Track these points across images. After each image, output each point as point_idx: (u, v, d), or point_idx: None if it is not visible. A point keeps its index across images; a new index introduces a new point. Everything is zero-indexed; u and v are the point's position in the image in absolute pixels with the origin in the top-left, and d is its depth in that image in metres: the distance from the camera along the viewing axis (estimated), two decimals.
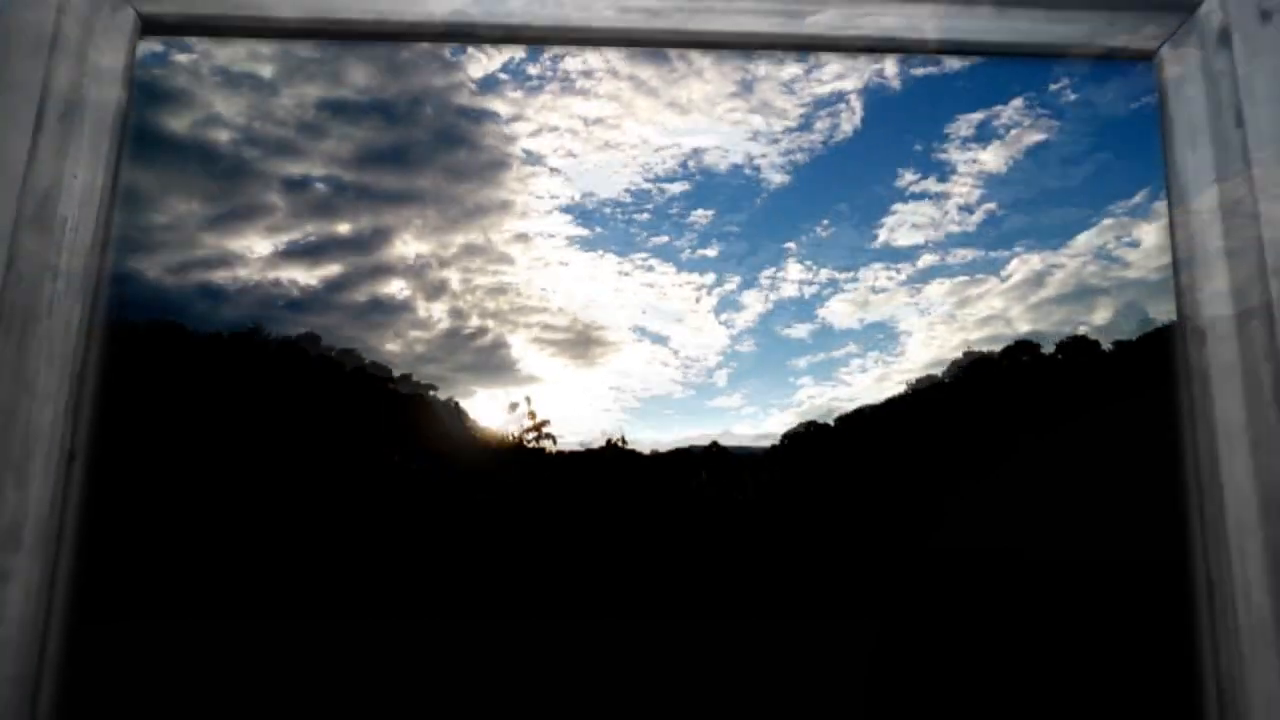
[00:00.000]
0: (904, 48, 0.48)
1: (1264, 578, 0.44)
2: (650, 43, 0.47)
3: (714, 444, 0.62)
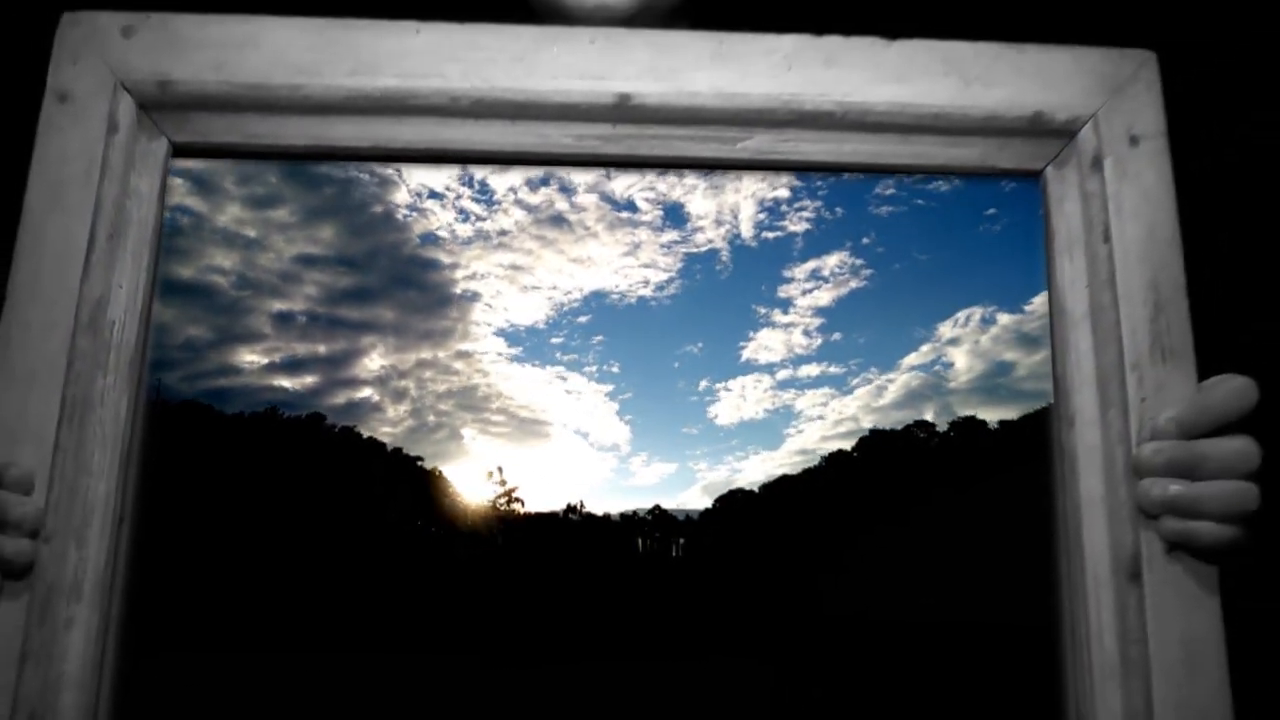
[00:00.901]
0: (821, 168, 0.55)
1: (1113, 624, 0.52)
2: (604, 164, 0.55)
3: (656, 506, 0.66)
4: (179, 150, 0.54)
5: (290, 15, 0.54)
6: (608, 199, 0.47)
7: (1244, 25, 1.01)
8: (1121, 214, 0.55)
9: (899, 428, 0.52)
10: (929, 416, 0.49)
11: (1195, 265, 0.55)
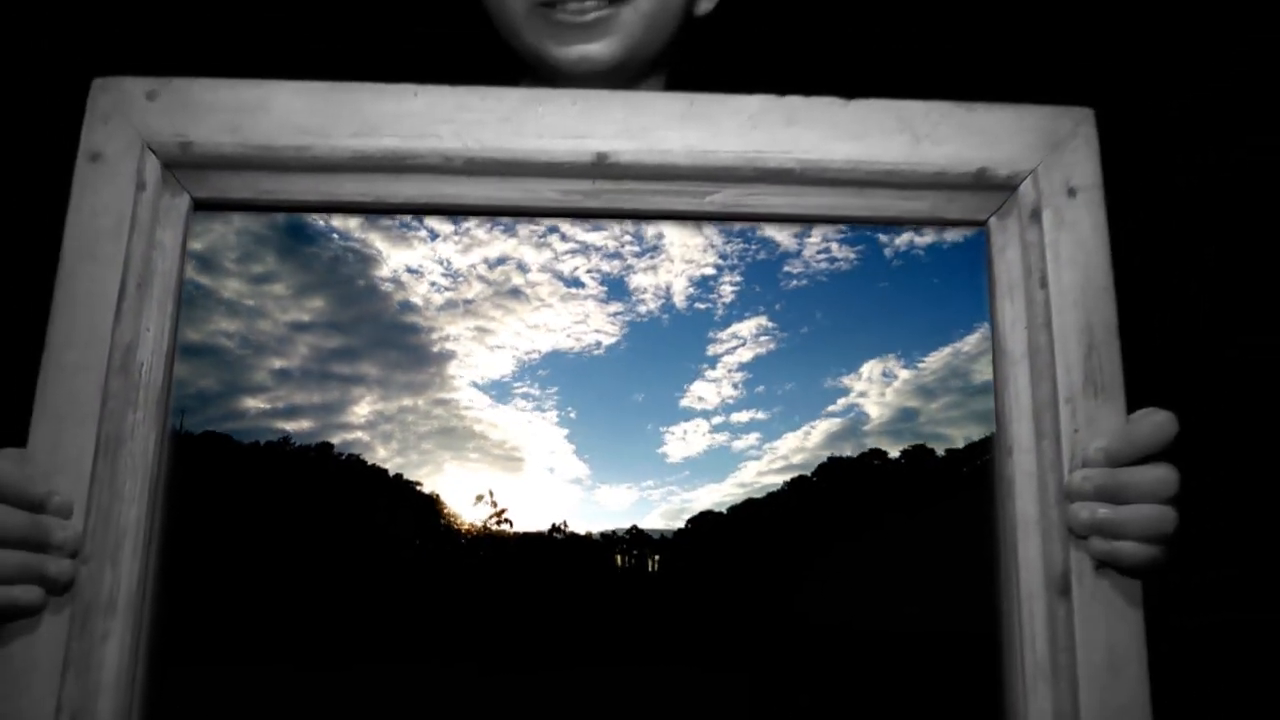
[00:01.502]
0: (783, 219, 0.60)
1: (1045, 633, 0.58)
2: (587, 215, 0.60)
3: (634, 526, 0.71)
4: (199, 205, 0.59)
5: (298, 80, 0.59)
6: (559, 277, 0.54)
7: (1177, 84, 1.06)
8: (1059, 260, 0.60)
9: (855, 455, 0.58)
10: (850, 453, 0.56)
11: (1128, 306, 0.61)
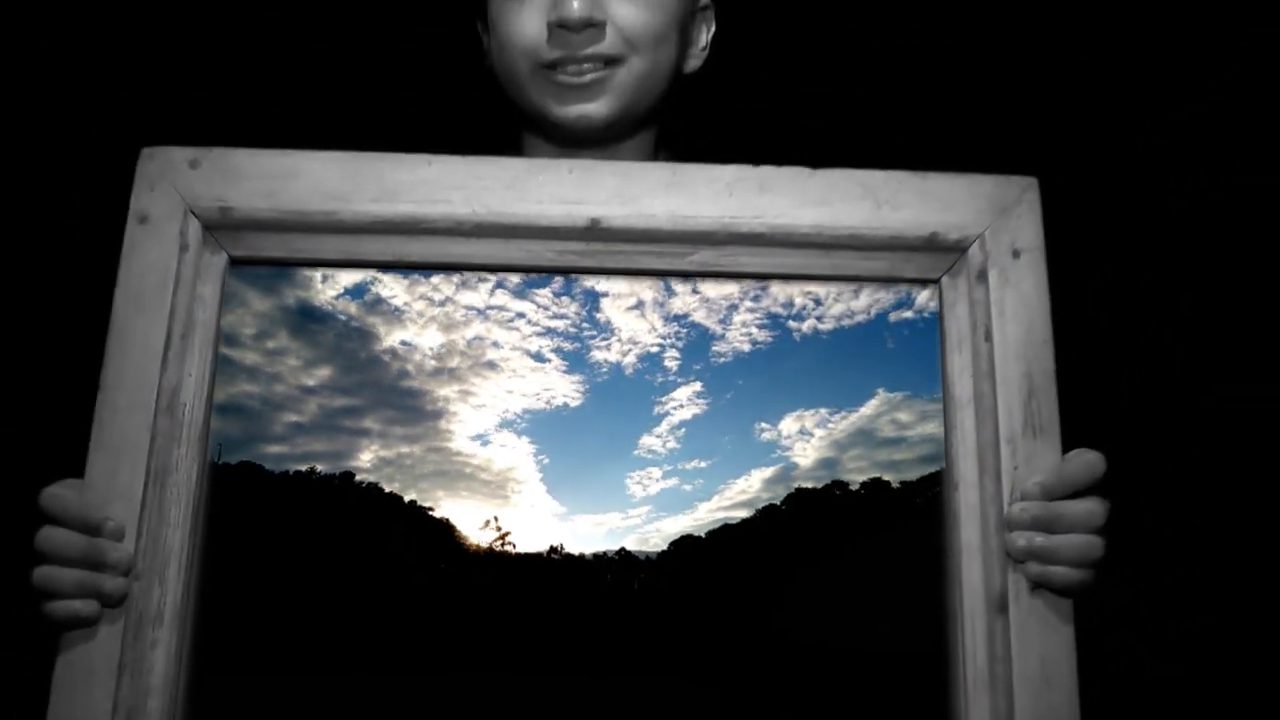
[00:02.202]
0: (756, 277, 0.68)
1: (984, 647, 0.65)
2: (579, 272, 0.68)
3: (622, 549, 0.76)
4: (235, 262, 0.67)
5: (325, 150, 0.67)
6: (527, 353, 0.66)
7: (1117, 155, 1.14)
8: (1004, 316, 0.67)
9: (812, 486, 0.67)
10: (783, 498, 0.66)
11: (1066, 355, 0.68)
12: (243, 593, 0.65)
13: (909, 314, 0.67)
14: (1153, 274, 1.24)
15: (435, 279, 0.66)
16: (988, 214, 0.69)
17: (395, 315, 0.66)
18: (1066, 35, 1.20)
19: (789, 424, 0.65)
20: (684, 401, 0.65)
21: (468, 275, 0.66)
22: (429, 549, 0.67)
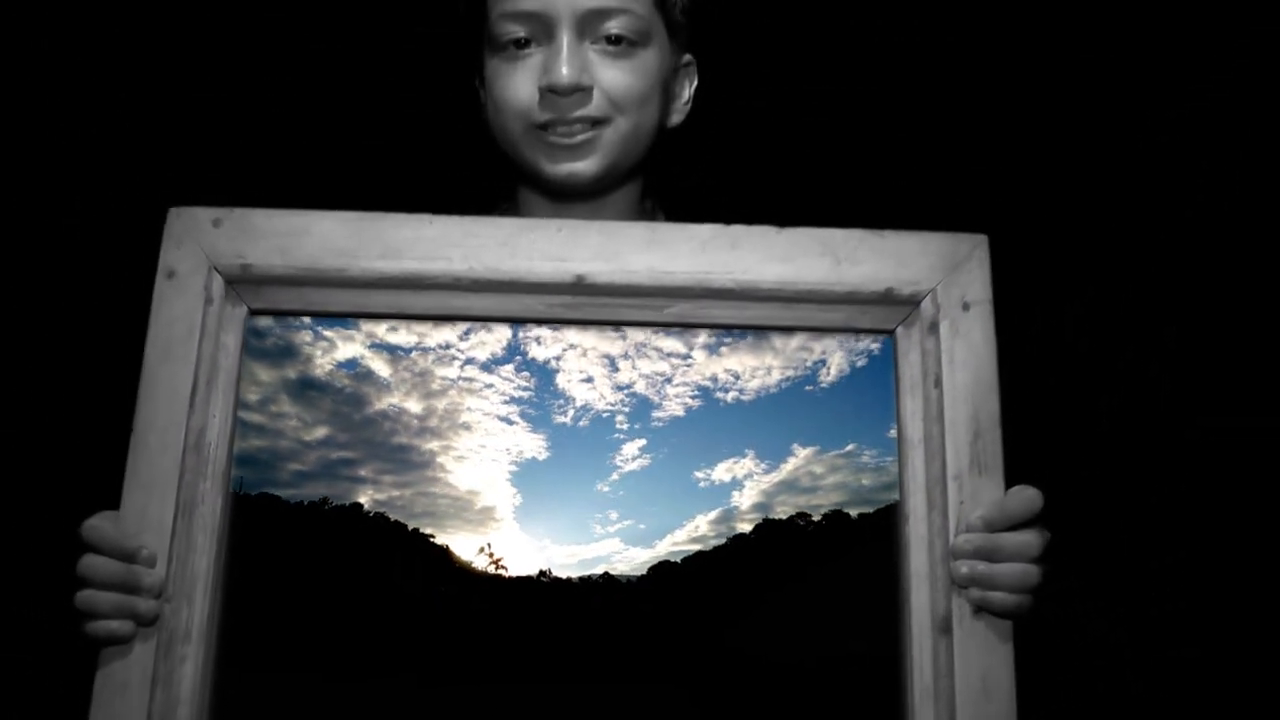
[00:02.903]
0: (727, 327, 0.75)
1: (930, 663, 0.72)
2: (569, 323, 0.75)
3: (605, 573, 0.82)
4: (254, 313, 0.73)
5: (334, 210, 0.73)
6: (498, 417, 0.76)
7: (1064, 214, 1.21)
8: (953, 364, 0.74)
9: (766, 518, 0.75)
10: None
11: (1010, 400, 0.75)
12: (262, 611, 0.72)
13: (817, 385, 0.77)
14: (1135, 304, 1.31)
15: (414, 355, 0.75)
16: (940, 269, 0.76)
17: (383, 385, 0.75)
18: (1028, 91, 1.29)
19: (721, 473, 0.75)
20: (632, 456, 0.75)
21: (442, 352, 0.75)
22: (431, 571, 0.74)
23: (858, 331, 0.76)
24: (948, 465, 0.73)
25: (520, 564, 0.74)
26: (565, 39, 0.85)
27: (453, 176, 1.08)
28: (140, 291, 0.72)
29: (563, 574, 0.73)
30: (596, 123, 0.88)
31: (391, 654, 0.72)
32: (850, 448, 0.75)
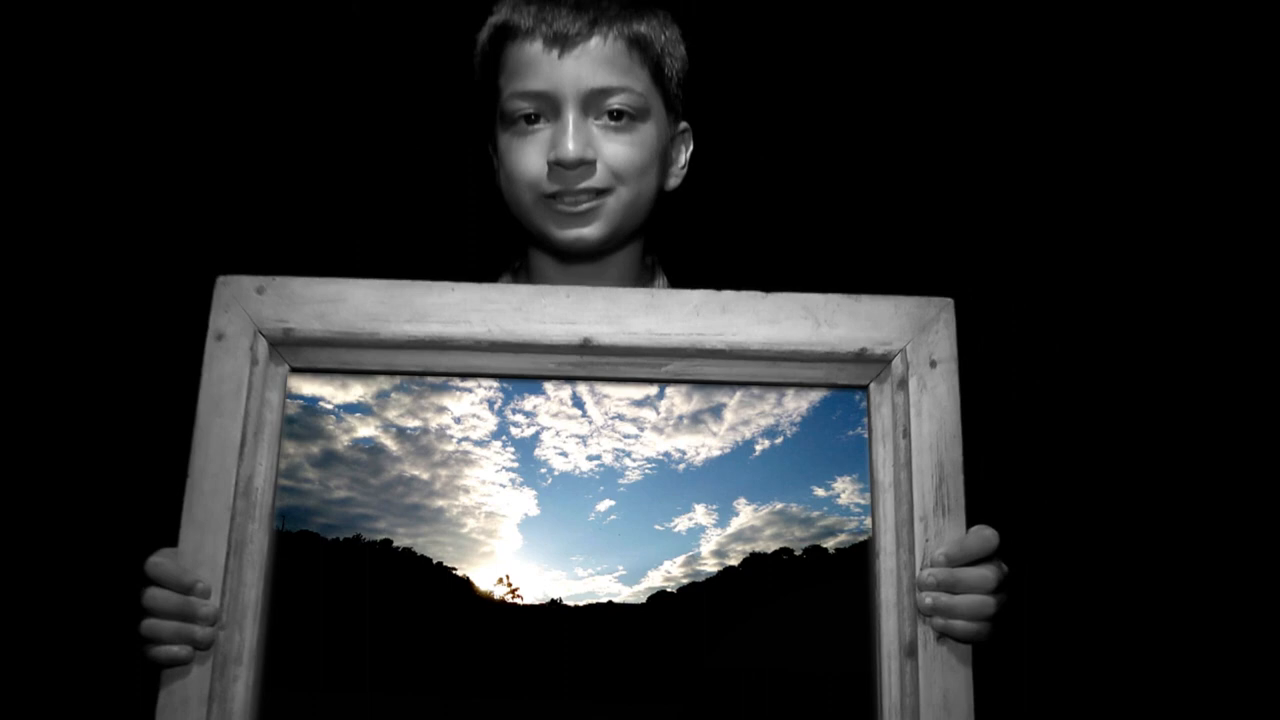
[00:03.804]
0: (718, 383, 0.84)
1: (897, 682, 0.81)
2: (573, 379, 0.83)
3: (609, 600, 0.90)
4: (295, 371, 0.82)
5: (367, 279, 0.82)
6: (494, 482, 0.87)
7: (1026, 279, 1.31)
8: (920, 416, 0.83)
9: (750, 553, 0.84)
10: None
11: (972, 450, 0.83)
12: (304, 635, 0.81)
13: (761, 446, 0.87)
14: (1094, 361, 1.43)
15: (419, 435, 0.86)
16: (909, 330, 0.84)
17: (394, 457, 0.85)
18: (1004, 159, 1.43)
19: (683, 524, 0.86)
20: (606, 511, 0.86)
21: (442, 433, 0.85)
22: (456, 597, 0.83)
23: (835, 387, 0.85)
24: (915, 507, 0.82)
25: (532, 593, 0.83)
26: (571, 116, 0.94)
27: (472, 238, 1.18)
28: (192, 351, 0.81)
29: (570, 602, 0.83)
30: (600, 192, 0.97)
31: (420, 672, 0.81)
32: (779, 506, 0.86)
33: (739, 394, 0.86)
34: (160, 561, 0.79)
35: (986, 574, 0.82)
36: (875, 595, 0.84)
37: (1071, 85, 1.43)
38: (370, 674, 0.82)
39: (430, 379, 0.84)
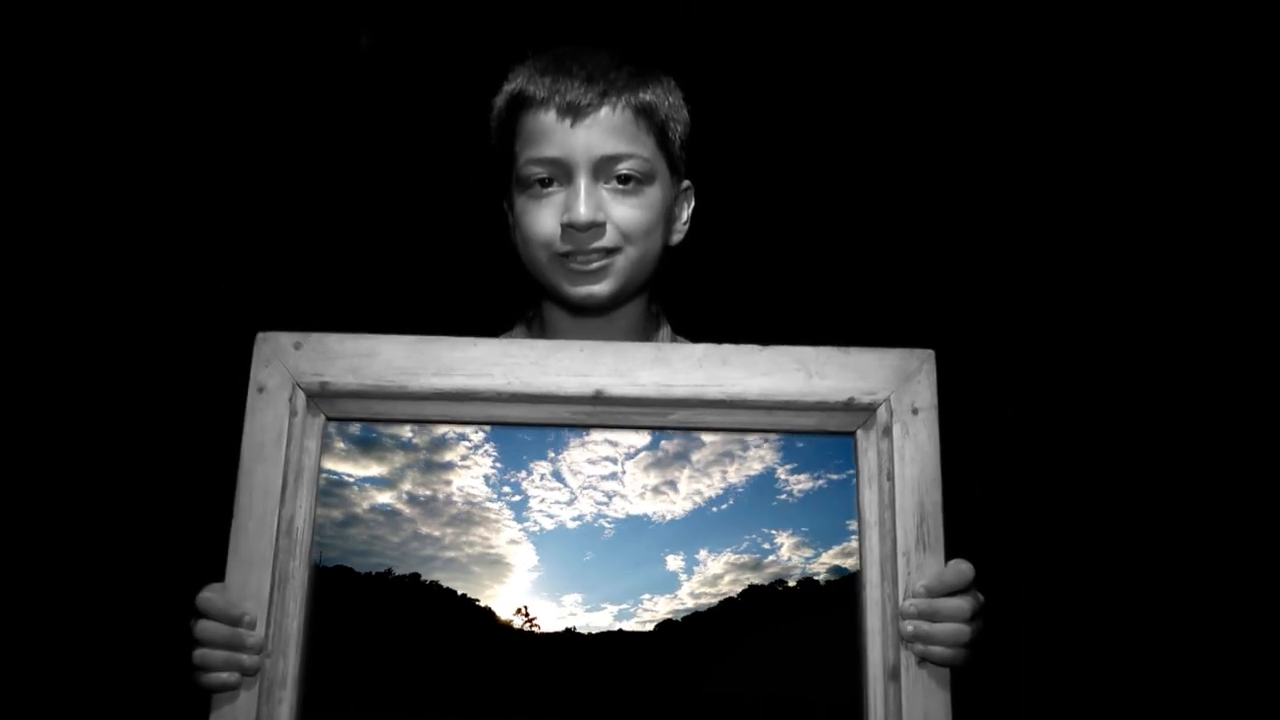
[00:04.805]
0: (720, 429, 0.92)
1: (882, 704, 0.89)
2: (584, 425, 0.92)
3: (620, 629, 0.97)
4: (329, 418, 0.90)
5: (396, 335, 0.89)
6: (504, 538, 0.96)
7: (1004, 332, 1.40)
8: (903, 460, 0.91)
9: (745, 588, 0.92)
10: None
11: (951, 490, 0.92)
12: (341, 661, 0.89)
13: (729, 501, 0.96)
14: (1070, 409, 1.53)
15: (426, 501, 0.94)
16: (893, 381, 0.92)
17: (408, 519, 0.94)
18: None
19: (672, 563, 0.95)
20: (595, 557, 0.95)
21: (448, 499, 0.93)
22: (479, 626, 0.91)
23: (825, 434, 0.93)
24: (898, 543, 0.91)
25: (549, 623, 0.92)
26: (583, 182, 1.02)
27: (491, 293, 1.27)
28: (233, 403, 0.88)
29: (584, 631, 0.91)
30: (610, 251, 1.04)
31: (446, 695, 0.89)
32: (747, 557, 0.96)
33: (687, 469, 0.95)
34: (210, 596, 0.87)
35: (963, 604, 0.90)
36: (862, 623, 0.92)
37: (1043, 145, 1.56)
38: (401, 697, 0.90)
39: (436, 460, 0.94)
